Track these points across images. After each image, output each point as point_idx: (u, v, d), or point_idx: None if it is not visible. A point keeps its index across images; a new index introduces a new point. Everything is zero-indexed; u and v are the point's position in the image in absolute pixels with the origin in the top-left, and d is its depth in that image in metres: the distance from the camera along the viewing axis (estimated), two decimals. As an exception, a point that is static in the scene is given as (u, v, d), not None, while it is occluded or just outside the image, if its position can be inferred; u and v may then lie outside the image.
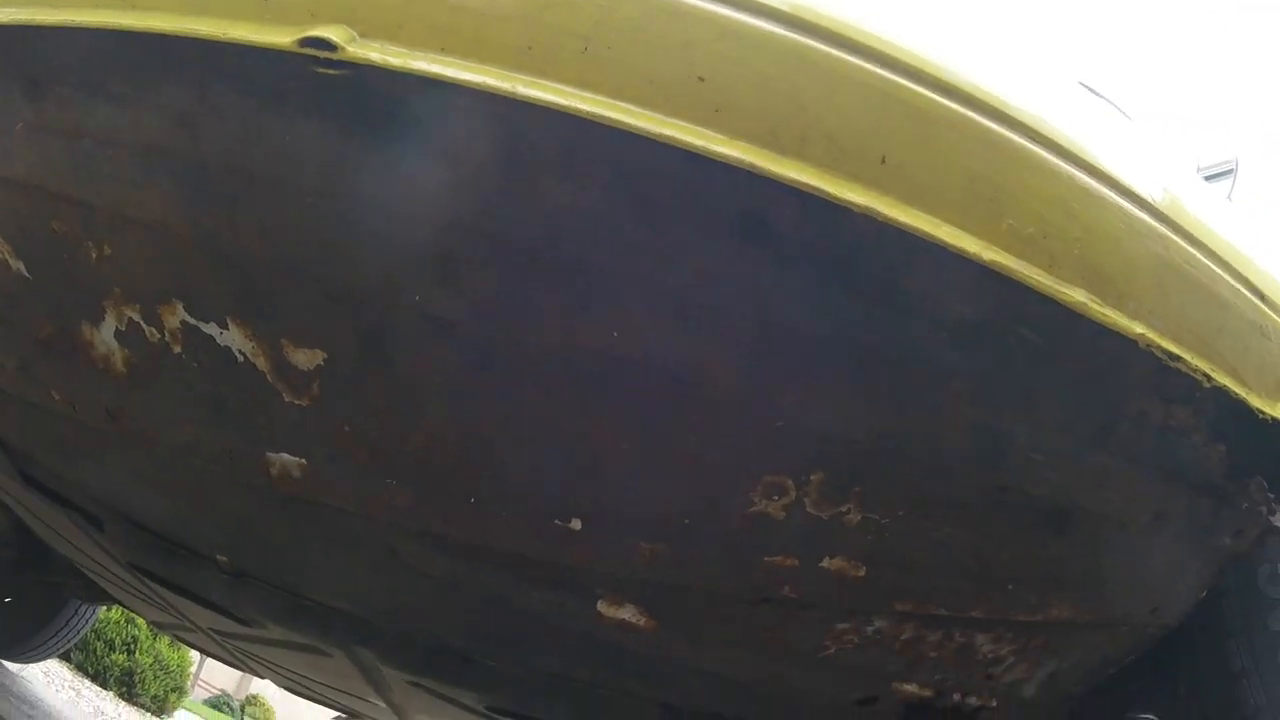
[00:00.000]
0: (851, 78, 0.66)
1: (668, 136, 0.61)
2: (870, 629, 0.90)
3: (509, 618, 0.95)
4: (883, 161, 0.66)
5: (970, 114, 0.68)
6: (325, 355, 0.76)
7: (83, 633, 2.43)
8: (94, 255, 0.87)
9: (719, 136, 0.62)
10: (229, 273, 0.77)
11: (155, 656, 3.72)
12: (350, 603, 1.00)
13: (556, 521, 0.81)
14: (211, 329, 0.81)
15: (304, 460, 0.84)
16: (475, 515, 0.82)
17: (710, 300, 0.68)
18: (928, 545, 0.84)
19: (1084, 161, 0.72)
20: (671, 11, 0.63)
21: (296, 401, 0.80)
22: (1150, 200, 0.75)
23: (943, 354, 0.73)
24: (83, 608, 2.34)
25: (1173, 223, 0.76)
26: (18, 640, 2.40)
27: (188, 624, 1.39)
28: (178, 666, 4.60)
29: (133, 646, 3.45)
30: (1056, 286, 0.69)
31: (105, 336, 0.92)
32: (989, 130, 0.69)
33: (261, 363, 0.80)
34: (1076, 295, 0.70)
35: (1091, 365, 0.75)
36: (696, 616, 0.89)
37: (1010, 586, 0.91)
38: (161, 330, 0.85)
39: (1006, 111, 0.70)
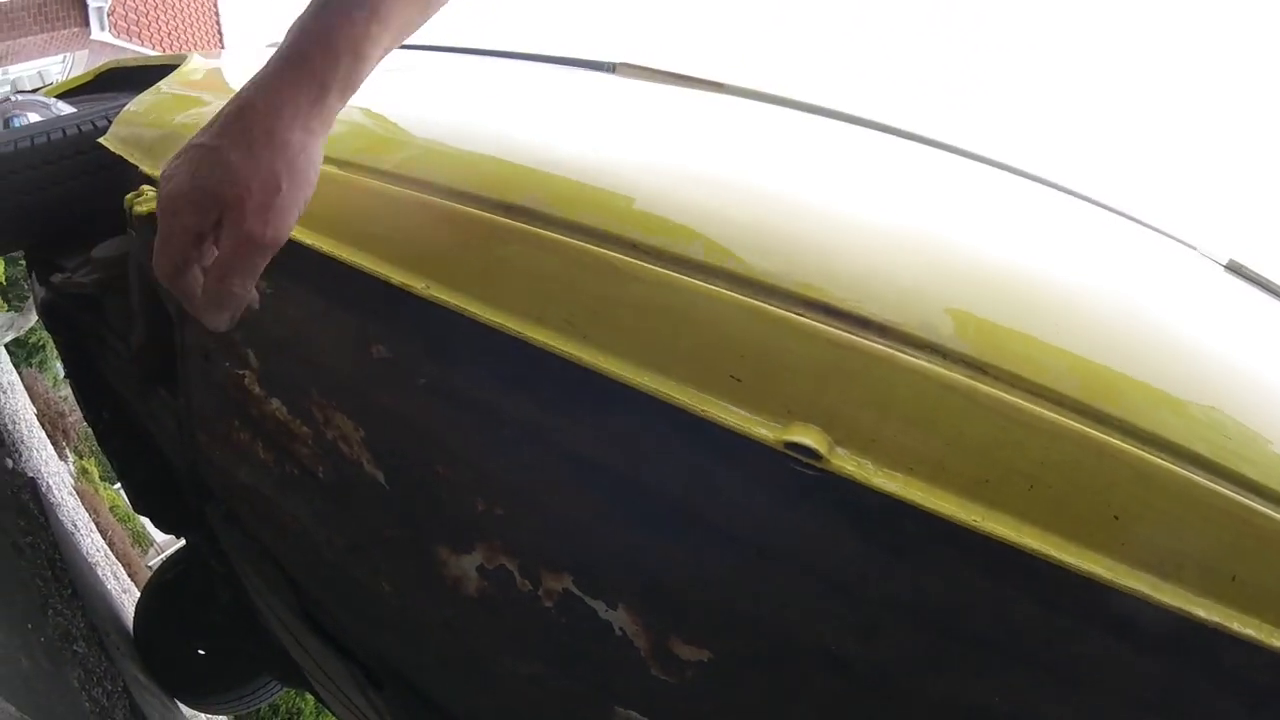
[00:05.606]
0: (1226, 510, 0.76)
1: (1082, 568, 0.72)
2: None
3: None
4: (1233, 579, 0.76)
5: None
6: (711, 655, 0.88)
7: (264, 702, 2.57)
8: (480, 508, 0.99)
9: (1122, 567, 0.73)
10: (642, 577, 0.88)
11: (312, 732, 3.84)
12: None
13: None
14: (597, 604, 0.92)
15: (653, 721, 0.95)
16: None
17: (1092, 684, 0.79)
18: None
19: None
20: (1102, 455, 0.74)
21: (664, 677, 0.91)
22: None
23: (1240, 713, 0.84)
24: (273, 683, 2.46)
25: None
26: (205, 692, 2.57)
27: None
28: (330, 748, 4.59)
29: (294, 718, 3.57)
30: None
31: (464, 565, 1.03)
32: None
33: (641, 643, 0.91)
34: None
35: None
36: None
37: None
38: (536, 586, 0.97)
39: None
